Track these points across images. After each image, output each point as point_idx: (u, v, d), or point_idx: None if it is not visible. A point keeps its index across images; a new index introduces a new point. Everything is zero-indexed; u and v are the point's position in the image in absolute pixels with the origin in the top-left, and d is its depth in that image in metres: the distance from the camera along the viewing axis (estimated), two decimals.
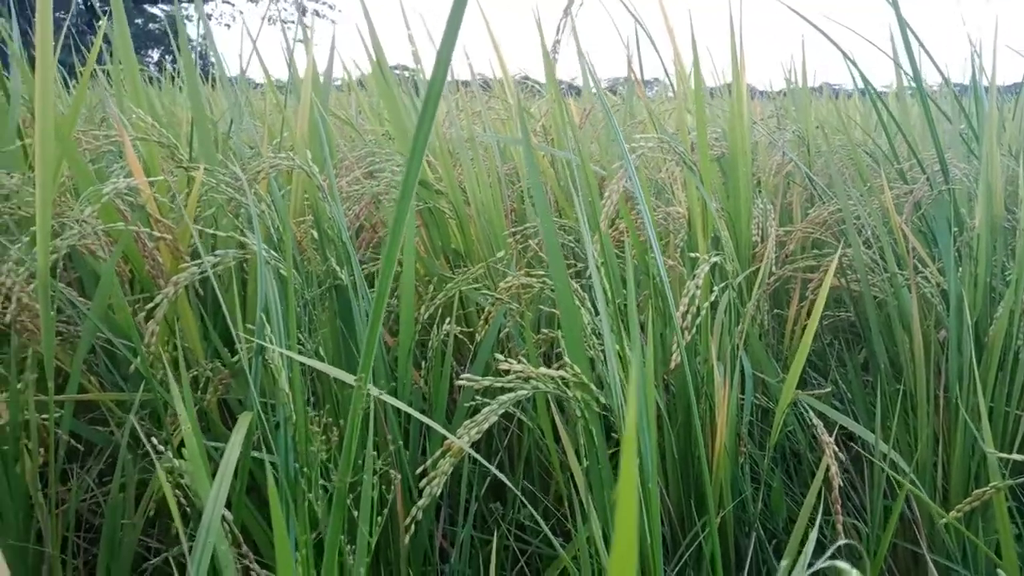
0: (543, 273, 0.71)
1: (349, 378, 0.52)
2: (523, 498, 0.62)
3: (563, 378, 0.58)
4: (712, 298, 0.74)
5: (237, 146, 0.95)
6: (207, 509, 0.40)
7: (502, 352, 0.88)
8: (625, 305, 0.66)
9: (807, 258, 1.13)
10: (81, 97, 0.81)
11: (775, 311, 1.17)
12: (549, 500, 0.86)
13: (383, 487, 0.62)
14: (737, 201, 0.94)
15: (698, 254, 0.72)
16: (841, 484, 0.68)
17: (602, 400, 0.59)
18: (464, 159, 0.92)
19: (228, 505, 0.51)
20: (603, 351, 0.64)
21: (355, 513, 0.45)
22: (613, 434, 0.71)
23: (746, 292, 0.94)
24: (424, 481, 0.54)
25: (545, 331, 0.76)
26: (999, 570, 0.66)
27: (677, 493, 0.82)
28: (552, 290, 0.71)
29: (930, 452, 0.90)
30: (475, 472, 0.82)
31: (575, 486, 0.68)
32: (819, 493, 0.72)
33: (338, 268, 0.77)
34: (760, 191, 1.12)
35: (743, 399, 0.85)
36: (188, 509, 0.60)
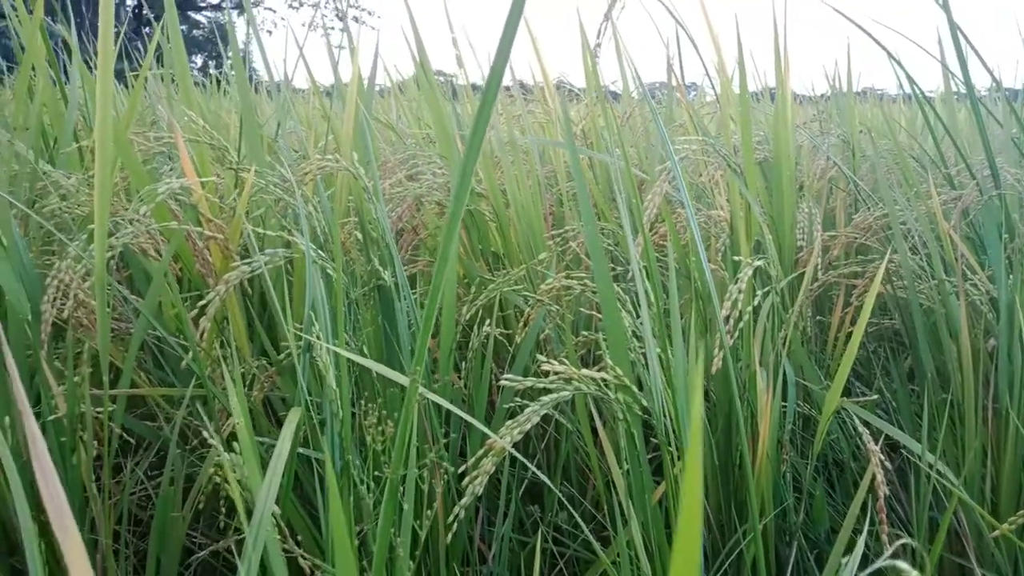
0: (584, 275, 0.71)
1: (395, 375, 0.53)
2: (563, 498, 0.62)
3: (605, 380, 0.58)
4: (755, 302, 0.73)
5: (283, 149, 0.97)
6: (259, 502, 0.41)
7: (541, 355, 0.88)
8: (667, 308, 0.65)
9: (851, 264, 1.11)
10: (136, 101, 0.83)
11: (818, 318, 1.15)
12: (587, 503, 0.86)
13: (431, 481, 0.63)
14: (780, 205, 0.93)
15: (741, 257, 0.72)
16: (887, 493, 0.67)
17: (643, 403, 0.59)
18: (505, 162, 0.92)
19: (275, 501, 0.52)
20: (644, 354, 0.64)
21: (404, 506, 0.46)
22: (652, 438, 0.71)
23: (788, 298, 0.93)
24: (466, 480, 0.55)
25: (585, 334, 0.76)
26: None
27: (716, 499, 0.81)
28: (593, 292, 0.71)
29: (979, 464, 0.88)
30: (513, 475, 0.82)
31: (614, 489, 0.68)
32: (863, 504, 0.71)
33: (381, 269, 0.78)
34: (803, 196, 1.11)
35: (785, 406, 0.84)
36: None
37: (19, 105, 0.97)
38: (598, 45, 1.17)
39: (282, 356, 0.72)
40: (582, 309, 0.83)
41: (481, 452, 0.56)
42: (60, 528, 0.24)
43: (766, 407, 0.75)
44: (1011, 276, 0.91)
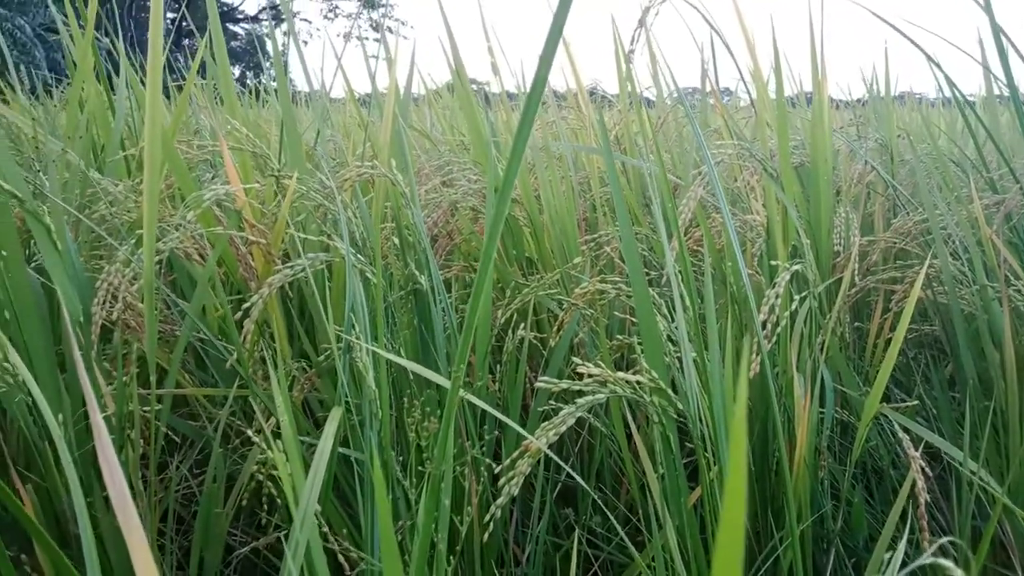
0: (618, 279, 0.71)
1: (433, 376, 0.54)
2: (598, 500, 0.62)
3: (640, 383, 0.58)
4: (792, 307, 0.72)
5: (322, 157, 0.99)
6: (303, 498, 0.42)
7: (576, 358, 0.89)
8: (702, 313, 0.65)
9: (890, 269, 1.09)
10: (182, 110, 0.86)
11: (856, 324, 1.13)
12: (621, 507, 0.86)
13: (473, 479, 0.63)
14: (818, 210, 0.93)
15: (778, 262, 0.71)
16: (928, 500, 0.66)
17: (679, 406, 0.59)
18: (539, 168, 0.93)
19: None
20: (679, 358, 0.64)
21: (444, 502, 0.46)
22: (688, 443, 0.71)
23: (826, 303, 0.92)
24: (503, 480, 0.55)
25: (619, 338, 0.76)
26: None
27: (752, 506, 0.80)
28: (628, 296, 0.71)
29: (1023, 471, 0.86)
30: (547, 479, 0.82)
31: (648, 494, 0.68)
32: (902, 512, 0.70)
33: (418, 273, 0.79)
34: (840, 201, 1.10)
35: (822, 412, 0.83)
36: (278, 500, 0.63)
37: (71, 116, 1.00)
38: (631, 51, 1.18)
39: (322, 358, 0.74)
40: (616, 313, 0.83)
41: (517, 453, 0.57)
42: (122, 512, 0.25)
43: (804, 413, 0.74)
44: None
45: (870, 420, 0.77)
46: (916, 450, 0.72)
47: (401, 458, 0.53)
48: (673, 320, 0.69)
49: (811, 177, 0.94)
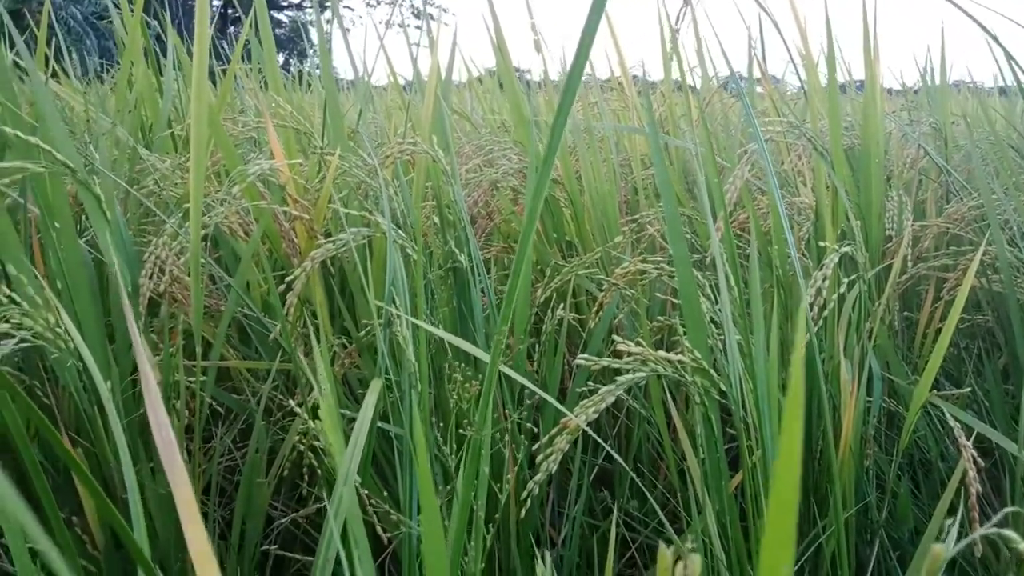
0: (660, 259, 0.70)
1: (473, 349, 0.54)
2: (638, 481, 0.62)
3: (682, 363, 0.57)
4: (840, 290, 0.71)
5: (363, 138, 1.00)
6: (344, 463, 0.42)
7: (617, 336, 0.88)
8: (746, 297, 0.64)
9: (941, 256, 1.06)
10: (227, 89, 0.87)
11: (905, 313, 1.10)
12: (660, 488, 0.85)
13: (512, 448, 0.63)
14: (868, 193, 0.90)
15: (827, 243, 0.69)
16: (979, 490, 0.64)
17: (722, 387, 0.58)
18: (581, 149, 0.92)
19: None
20: (722, 340, 0.62)
21: (484, 469, 0.46)
22: (728, 428, 0.70)
23: (875, 290, 0.90)
24: (540, 457, 0.55)
25: (660, 319, 0.75)
26: None
27: (803, 486, 0.79)
28: (670, 277, 0.70)
29: None
30: (584, 461, 0.82)
31: (688, 477, 0.67)
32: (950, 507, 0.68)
33: (457, 251, 0.79)
34: (892, 185, 1.06)
35: (868, 401, 0.81)
36: (318, 471, 0.63)
37: (120, 94, 1.02)
38: (676, 30, 1.16)
39: (362, 333, 0.74)
40: (657, 294, 0.82)
41: (555, 430, 0.56)
42: (170, 465, 0.25)
43: (851, 400, 0.72)
44: None
45: (919, 408, 0.74)
46: (967, 440, 0.70)
47: (441, 425, 0.53)
48: (717, 302, 0.68)
49: (862, 159, 0.91)
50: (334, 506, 0.39)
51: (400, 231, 0.69)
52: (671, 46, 1.15)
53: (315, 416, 0.57)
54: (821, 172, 0.82)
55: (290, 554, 0.69)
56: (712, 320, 0.65)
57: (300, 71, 2.44)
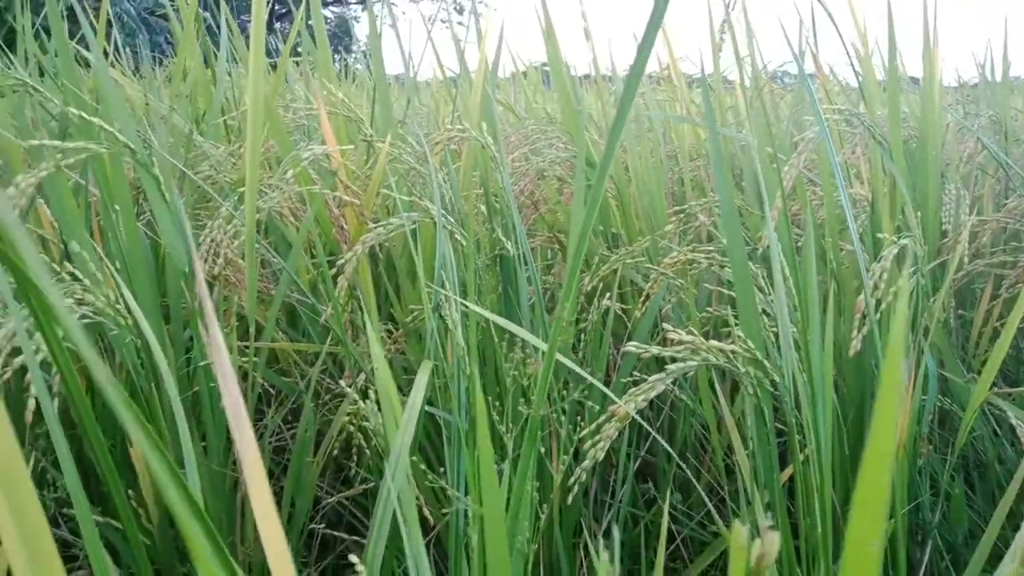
0: (711, 248, 0.69)
1: (523, 333, 0.54)
2: (685, 468, 0.61)
3: (735, 353, 0.57)
4: (899, 284, 0.69)
5: (412, 121, 1.00)
6: (397, 440, 0.43)
7: (666, 324, 0.87)
8: (799, 287, 0.63)
9: (999, 253, 1.02)
10: (279, 78, 0.88)
11: (959, 312, 1.07)
12: (708, 479, 0.84)
13: (556, 431, 0.63)
14: (925, 186, 0.87)
15: (884, 235, 0.68)
16: None
17: (775, 378, 0.57)
18: (629, 140, 0.91)
19: None
20: (773, 332, 0.61)
21: (541, 449, 0.46)
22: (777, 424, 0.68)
23: (930, 286, 0.87)
24: (588, 444, 0.55)
25: (709, 310, 0.74)
26: None
27: (845, 491, 0.77)
28: (721, 267, 0.69)
29: None
30: (628, 454, 0.81)
31: (737, 469, 0.66)
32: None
33: (504, 239, 0.79)
34: (948, 179, 1.03)
35: (924, 399, 0.78)
36: (367, 451, 0.64)
37: (175, 83, 1.05)
38: (724, 20, 1.14)
39: (410, 318, 0.75)
40: (706, 285, 0.81)
41: (603, 418, 0.56)
42: (237, 420, 0.26)
43: (907, 397, 0.71)
44: None
45: (978, 407, 0.72)
46: None
47: (497, 404, 0.53)
48: (769, 293, 0.67)
49: (918, 150, 0.89)
50: (387, 481, 0.39)
51: (449, 217, 0.69)
52: (720, 37, 1.13)
53: (364, 397, 0.58)
54: (878, 162, 0.80)
55: (336, 533, 0.70)
56: (764, 311, 0.64)
57: (346, 65, 2.47)
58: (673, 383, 0.68)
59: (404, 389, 0.84)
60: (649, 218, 0.91)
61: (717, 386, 0.65)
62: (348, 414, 0.65)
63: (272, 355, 0.91)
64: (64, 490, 0.69)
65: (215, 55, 1.17)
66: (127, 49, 1.99)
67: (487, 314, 0.54)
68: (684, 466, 0.84)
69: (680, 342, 0.56)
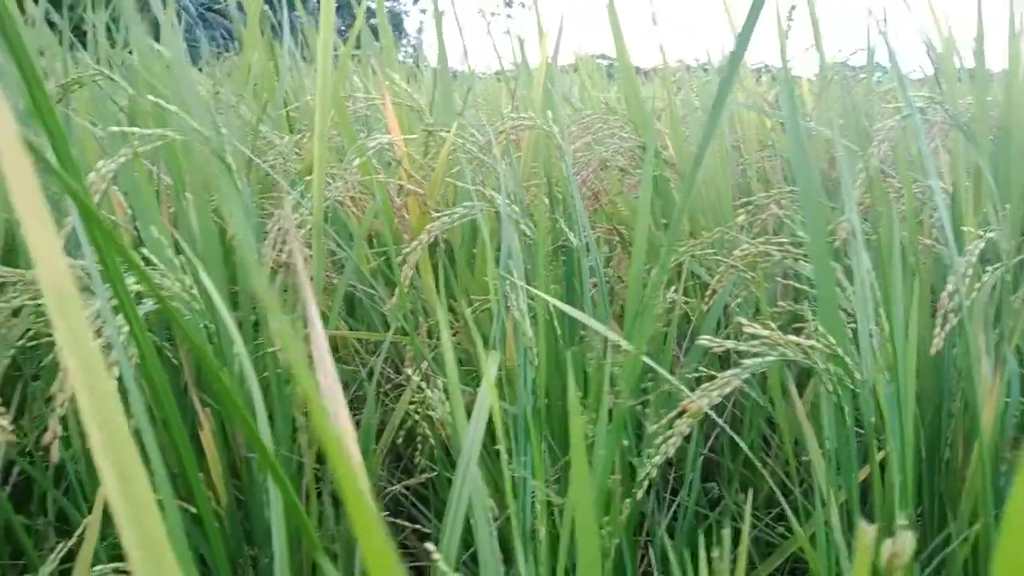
0: (786, 240, 0.67)
1: (593, 322, 0.53)
2: (756, 461, 0.59)
3: (813, 348, 0.54)
4: (984, 280, 0.65)
5: (477, 114, 1.00)
6: (468, 435, 0.42)
7: (724, 327, 0.85)
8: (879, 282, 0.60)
9: None
10: (345, 67, 0.89)
11: None
12: (784, 477, 0.82)
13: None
14: (1007, 176, 0.83)
15: (968, 228, 0.64)
16: None
17: (858, 377, 0.55)
18: (693, 126, 0.89)
19: None
20: (851, 328, 0.59)
21: (625, 442, 0.45)
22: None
23: (1014, 282, 0.83)
24: (660, 439, 0.54)
25: (781, 304, 0.72)
26: None
27: (919, 499, 0.74)
28: (795, 259, 0.67)
29: None
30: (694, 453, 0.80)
31: (813, 469, 0.63)
32: None
33: (567, 229, 0.78)
34: None
35: (1008, 401, 0.75)
36: (430, 441, 0.64)
37: (242, 75, 1.06)
38: (792, 8, 1.11)
39: (471, 308, 0.74)
40: (778, 279, 0.78)
41: (674, 413, 0.54)
42: (335, 408, 0.25)
43: (990, 399, 0.67)
44: None
45: None
46: None
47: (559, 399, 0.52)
48: (846, 288, 0.64)
49: (1003, 141, 0.84)
50: (460, 476, 0.39)
51: (515, 207, 0.69)
52: (787, 25, 1.10)
53: (424, 389, 0.57)
54: (959, 153, 0.76)
55: (398, 521, 0.70)
56: (841, 307, 0.61)
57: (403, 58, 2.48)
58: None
59: (463, 379, 0.84)
60: (715, 210, 0.89)
61: (791, 384, 0.63)
62: (411, 403, 0.65)
63: (334, 346, 0.92)
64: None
65: (275, 50, 1.19)
66: (184, 44, 2.03)
67: (563, 306, 0.53)
68: (756, 463, 0.82)
69: (756, 336, 0.54)
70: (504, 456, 0.38)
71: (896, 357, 0.55)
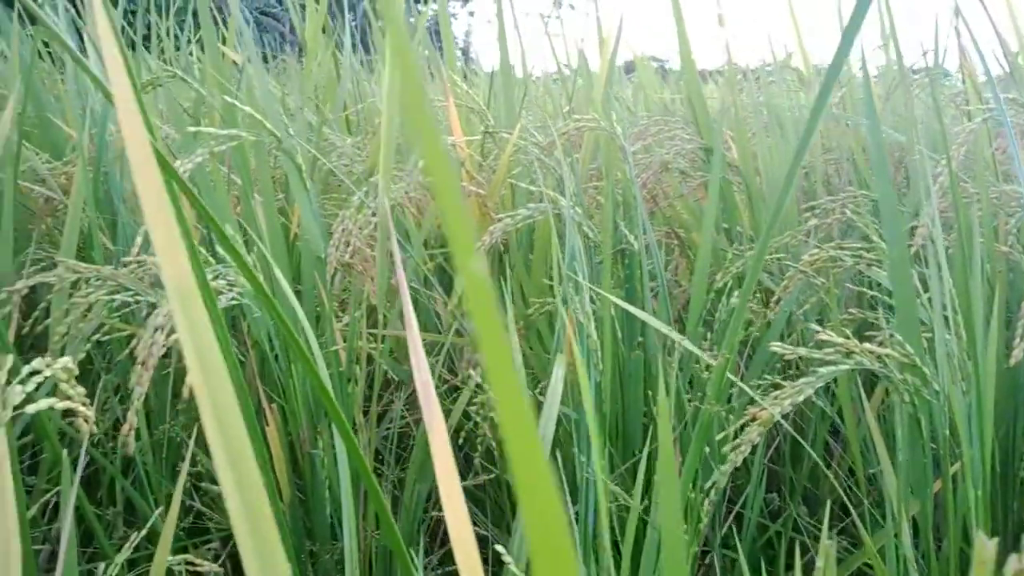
0: (858, 245, 0.65)
1: (660, 325, 0.52)
2: (835, 480, 0.57)
3: (889, 356, 0.53)
4: None
5: (526, 122, 1.00)
6: (541, 429, 0.42)
7: (788, 336, 0.83)
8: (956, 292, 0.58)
9: None
10: (416, 71, 0.90)
11: None
12: (832, 491, 0.80)
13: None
14: None
15: None
16: None
17: (935, 387, 0.53)
18: (758, 130, 0.88)
19: None
20: (926, 337, 0.57)
21: (706, 450, 0.45)
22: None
23: None
24: (728, 447, 0.53)
25: (852, 311, 0.70)
26: None
27: (1001, 510, 0.71)
28: (868, 265, 0.65)
29: None
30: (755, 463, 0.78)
31: (859, 483, 0.62)
32: None
33: (627, 232, 0.77)
34: None
35: None
36: (492, 442, 0.64)
37: (306, 79, 1.08)
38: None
39: (531, 310, 0.74)
40: (849, 285, 0.76)
41: (745, 419, 0.53)
42: (428, 407, 0.25)
43: None
44: None
45: None
46: None
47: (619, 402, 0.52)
48: (921, 296, 0.62)
49: None
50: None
51: (577, 209, 0.68)
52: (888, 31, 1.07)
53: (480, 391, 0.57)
54: None
55: None
56: None
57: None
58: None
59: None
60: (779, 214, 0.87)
61: (863, 394, 0.61)
62: (471, 404, 0.65)
63: (392, 346, 0.93)
64: (204, 465, 0.72)
65: (336, 56, 1.21)
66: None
67: (631, 308, 0.53)
68: (828, 474, 0.80)
69: (830, 344, 0.53)
70: (579, 459, 0.38)
71: (976, 368, 0.53)
